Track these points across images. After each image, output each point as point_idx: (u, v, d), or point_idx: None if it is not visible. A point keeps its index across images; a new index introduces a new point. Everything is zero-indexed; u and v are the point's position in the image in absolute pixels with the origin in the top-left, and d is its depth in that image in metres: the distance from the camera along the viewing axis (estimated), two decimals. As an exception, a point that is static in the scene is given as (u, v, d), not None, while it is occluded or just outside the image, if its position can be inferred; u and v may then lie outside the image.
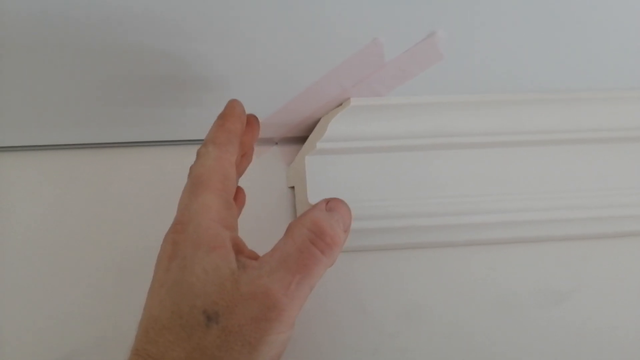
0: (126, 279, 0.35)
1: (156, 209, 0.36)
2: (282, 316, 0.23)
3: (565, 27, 0.31)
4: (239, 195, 0.31)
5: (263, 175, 0.37)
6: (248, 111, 0.34)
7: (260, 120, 0.35)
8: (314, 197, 0.35)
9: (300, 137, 0.38)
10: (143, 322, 0.24)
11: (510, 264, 0.37)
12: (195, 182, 0.26)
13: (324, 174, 0.35)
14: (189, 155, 0.37)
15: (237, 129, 0.28)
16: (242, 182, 0.35)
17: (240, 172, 0.30)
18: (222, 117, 0.28)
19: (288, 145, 0.39)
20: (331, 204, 0.27)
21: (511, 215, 0.36)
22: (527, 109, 0.36)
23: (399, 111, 0.35)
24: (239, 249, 0.25)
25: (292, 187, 0.38)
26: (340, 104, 0.35)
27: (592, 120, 0.37)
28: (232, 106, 0.29)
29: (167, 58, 0.30)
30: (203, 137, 0.36)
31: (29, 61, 0.29)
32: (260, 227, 0.33)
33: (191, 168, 0.27)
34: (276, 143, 0.39)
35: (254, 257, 0.25)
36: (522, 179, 0.37)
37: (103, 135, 0.37)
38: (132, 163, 0.37)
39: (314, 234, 0.25)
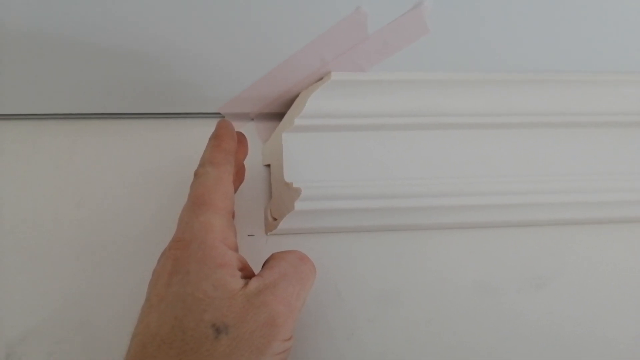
0: (92, 258, 0.34)
1: (125, 184, 0.35)
2: (287, 323, 0.26)
3: (559, 5, 0.30)
4: (239, 172, 0.33)
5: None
6: (224, 83, 0.32)
7: (236, 94, 0.34)
8: (290, 176, 0.33)
9: (277, 114, 0.37)
10: (138, 337, 0.24)
11: (491, 248, 0.37)
12: (196, 202, 0.27)
13: (301, 152, 0.34)
14: (160, 129, 0.36)
15: (232, 148, 0.30)
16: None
17: (234, 189, 0.31)
18: (217, 138, 0.30)
19: (264, 122, 0.38)
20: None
21: (493, 199, 0.35)
22: (515, 90, 0.35)
23: (382, 87, 0.34)
24: (242, 267, 0.27)
25: (268, 165, 0.37)
26: (321, 79, 0.33)
27: (580, 103, 0.36)
28: (225, 126, 0.31)
29: (143, 29, 0.28)
30: (178, 110, 0.36)
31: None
32: (235, 205, 0.32)
33: (191, 187, 0.28)
34: (252, 119, 0.38)
35: (253, 275, 0.27)
36: (506, 162, 0.36)
37: (71, 106, 0.35)
38: (101, 136, 0.36)
39: (301, 256, 0.29)
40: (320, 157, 0.34)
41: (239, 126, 0.37)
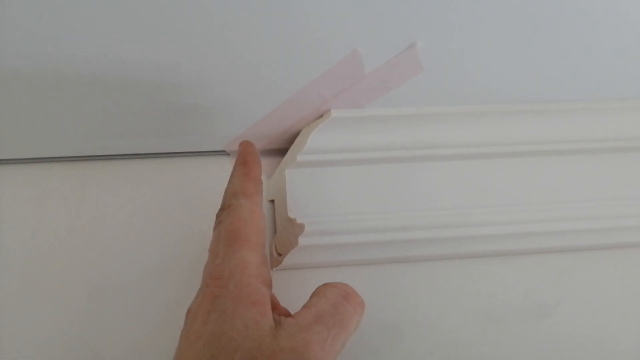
0: (104, 296, 0.34)
1: (135, 224, 0.36)
2: None
3: (549, 38, 0.31)
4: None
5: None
6: (229, 121, 0.33)
7: (240, 131, 0.35)
8: (294, 211, 0.34)
9: (280, 150, 0.38)
10: None
11: (494, 277, 0.37)
12: (231, 236, 0.26)
13: (304, 187, 0.35)
14: (169, 168, 0.37)
15: (260, 175, 0.29)
16: (220, 195, 0.34)
17: None
18: (246, 165, 0.29)
19: (268, 158, 0.38)
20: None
21: (493, 229, 0.36)
22: (510, 120, 0.36)
23: (380, 123, 0.34)
24: (274, 305, 0.26)
25: (272, 201, 0.38)
26: (321, 116, 0.34)
27: (576, 131, 0.37)
28: (251, 151, 0.30)
29: (149, 73, 0.29)
30: (185, 150, 0.37)
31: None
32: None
33: (223, 220, 0.27)
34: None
35: (287, 314, 0.26)
36: (506, 191, 0.37)
37: (81, 148, 0.36)
38: (111, 177, 0.37)
39: (346, 292, 0.27)
40: (323, 192, 0.35)
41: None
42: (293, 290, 0.32)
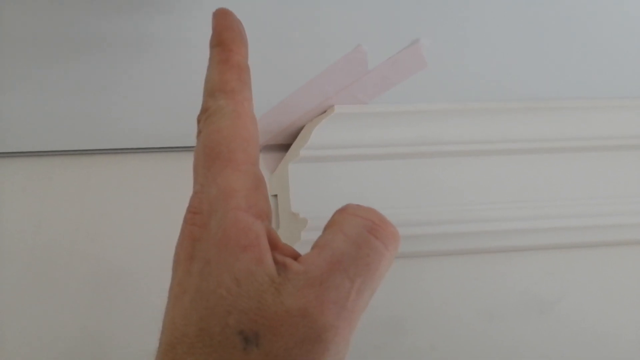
0: (108, 288, 0.35)
1: (139, 216, 0.36)
2: (339, 335, 0.18)
3: (553, 35, 0.31)
4: None
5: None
6: None
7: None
8: (297, 206, 0.34)
9: (283, 145, 0.38)
10: (167, 334, 0.19)
11: (496, 273, 0.37)
12: (210, 154, 0.20)
13: (307, 182, 0.35)
14: (172, 162, 0.37)
15: (245, 60, 0.22)
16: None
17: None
18: (223, 45, 0.22)
19: (271, 153, 0.39)
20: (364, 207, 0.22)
21: (497, 225, 0.36)
22: (512, 118, 0.36)
23: (383, 119, 0.35)
24: (274, 243, 0.19)
25: (275, 196, 0.38)
26: (324, 112, 0.34)
27: (578, 128, 0.37)
28: (231, 25, 0.22)
29: (154, 67, 0.29)
30: (186, 144, 0.37)
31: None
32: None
33: (201, 131, 0.21)
34: (259, 150, 0.38)
35: (294, 254, 0.19)
36: (507, 188, 0.37)
37: (84, 142, 0.36)
38: (115, 170, 0.37)
39: (372, 222, 0.19)
40: (326, 187, 0.35)
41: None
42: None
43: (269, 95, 0.33)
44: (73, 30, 0.27)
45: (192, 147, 0.37)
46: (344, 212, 0.20)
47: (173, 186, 0.37)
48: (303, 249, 0.35)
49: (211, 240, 0.19)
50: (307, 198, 0.35)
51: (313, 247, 0.20)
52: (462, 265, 0.37)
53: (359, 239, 0.19)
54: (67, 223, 0.36)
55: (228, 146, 0.20)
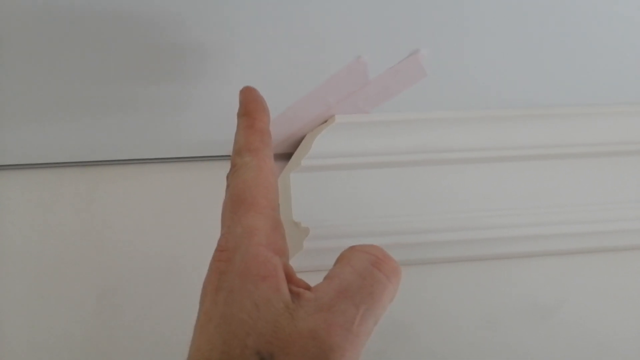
0: (111, 301, 0.35)
1: (142, 228, 0.36)
2: (345, 357, 0.20)
3: (553, 42, 0.31)
4: None
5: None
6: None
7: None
8: (299, 215, 0.34)
9: (285, 154, 0.38)
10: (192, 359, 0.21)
11: (496, 279, 0.37)
12: (236, 201, 0.23)
13: (309, 191, 0.35)
14: (176, 172, 0.37)
15: (267, 125, 0.25)
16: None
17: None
18: (249, 115, 0.25)
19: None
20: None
21: (497, 231, 0.36)
22: (513, 125, 0.36)
23: (384, 128, 0.35)
24: (290, 276, 0.22)
25: (277, 205, 0.38)
26: (325, 121, 0.35)
27: (579, 135, 0.37)
28: (254, 98, 0.26)
29: (156, 79, 0.30)
30: (186, 155, 0.37)
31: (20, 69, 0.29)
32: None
33: (229, 182, 0.24)
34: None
35: (306, 286, 0.22)
36: (508, 195, 0.37)
37: (89, 154, 0.36)
38: (119, 181, 0.37)
39: (376, 257, 0.22)
40: (327, 196, 0.35)
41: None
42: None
43: (271, 105, 0.33)
44: (85, 46, 0.27)
45: (198, 157, 0.38)
46: (352, 249, 0.23)
47: (178, 196, 0.37)
48: (306, 258, 0.35)
49: (235, 272, 0.22)
50: (308, 207, 0.35)
51: (324, 279, 0.22)
52: (463, 272, 0.37)
53: (364, 272, 0.22)
54: (73, 234, 0.36)
55: (252, 193, 0.23)
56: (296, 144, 0.37)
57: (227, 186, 0.24)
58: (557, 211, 0.37)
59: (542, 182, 0.37)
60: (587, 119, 0.37)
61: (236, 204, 0.23)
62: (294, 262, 0.34)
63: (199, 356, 0.21)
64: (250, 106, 0.26)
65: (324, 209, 0.35)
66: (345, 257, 0.23)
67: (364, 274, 0.22)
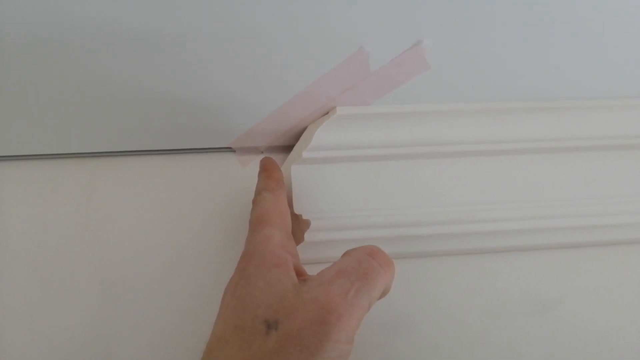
0: (111, 292, 0.35)
1: (143, 220, 0.36)
2: (341, 322, 0.24)
3: (554, 35, 0.31)
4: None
5: (249, 185, 0.37)
6: (235, 118, 0.34)
7: (246, 129, 0.35)
8: (300, 207, 0.34)
9: (286, 146, 0.38)
10: (208, 343, 0.25)
11: (497, 273, 0.37)
12: (256, 221, 0.29)
13: (310, 183, 0.35)
14: (177, 164, 0.37)
15: (281, 178, 0.32)
16: (227, 191, 0.34)
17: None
18: (267, 170, 0.32)
19: (274, 154, 0.39)
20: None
21: (499, 224, 0.36)
22: (514, 118, 0.36)
23: (386, 120, 0.35)
24: (300, 272, 0.27)
25: (278, 197, 0.38)
26: (327, 113, 0.35)
27: (579, 128, 0.37)
28: (272, 162, 0.33)
29: (157, 69, 0.30)
30: (187, 146, 0.37)
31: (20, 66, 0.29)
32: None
33: (251, 213, 0.30)
34: (262, 152, 0.39)
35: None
36: (510, 188, 0.37)
37: (89, 145, 0.36)
38: (119, 173, 0.37)
39: (372, 250, 0.27)
40: (328, 188, 0.35)
41: (249, 160, 0.38)
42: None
43: (272, 97, 0.33)
44: (80, 33, 0.27)
45: (199, 149, 0.38)
46: (352, 249, 0.28)
47: (179, 188, 0.37)
48: (307, 250, 0.35)
49: (252, 264, 0.26)
50: (310, 199, 0.35)
51: (328, 267, 0.26)
52: (464, 265, 0.37)
53: (360, 258, 0.26)
54: (73, 226, 0.36)
55: (269, 215, 0.29)
56: (297, 136, 0.37)
57: (250, 220, 0.30)
58: (558, 204, 0.37)
59: (542, 175, 0.37)
60: (587, 112, 0.37)
61: (256, 222, 0.29)
62: (296, 254, 0.34)
63: (214, 338, 0.25)
64: (268, 165, 0.33)
65: (325, 201, 0.35)
66: (347, 252, 0.27)
67: (360, 260, 0.26)
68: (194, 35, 0.28)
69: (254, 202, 0.30)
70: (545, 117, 0.36)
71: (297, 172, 0.35)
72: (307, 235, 0.33)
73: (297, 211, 0.34)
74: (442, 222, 0.36)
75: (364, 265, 0.26)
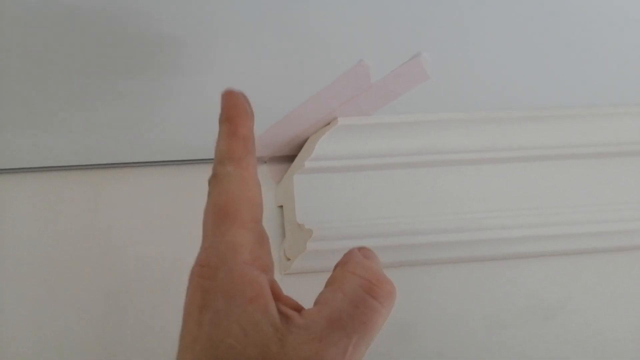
0: (117, 302, 0.35)
1: (149, 229, 0.36)
2: None
3: (553, 44, 0.31)
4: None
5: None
6: None
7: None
8: (302, 217, 0.35)
9: (288, 157, 0.38)
10: None
11: (500, 280, 0.37)
12: (219, 213, 0.22)
13: (312, 193, 0.35)
14: (182, 175, 0.38)
15: (250, 131, 0.24)
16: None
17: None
18: (231, 121, 0.24)
19: (277, 164, 0.39)
20: (366, 252, 0.24)
21: (501, 232, 0.36)
22: (514, 126, 0.36)
23: (386, 130, 0.35)
24: (277, 294, 0.21)
25: (281, 207, 0.38)
26: (328, 124, 0.35)
27: (580, 135, 0.37)
28: (236, 103, 0.24)
29: (159, 80, 0.30)
30: (190, 157, 0.37)
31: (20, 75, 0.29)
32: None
33: (211, 193, 0.23)
34: (265, 162, 0.39)
35: (295, 306, 0.21)
36: (511, 196, 0.37)
37: (94, 157, 0.37)
38: (123, 184, 0.37)
39: (369, 282, 0.22)
40: (331, 197, 0.35)
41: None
42: (302, 295, 0.33)
43: (274, 108, 0.33)
44: (84, 46, 0.28)
45: (202, 159, 0.38)
46: (344, 269, 0.22)
47: (183, 198, 0.37)
48: (309, 259, 0.35)
49: (220, 292, 0.21)
50: (312, 209, 0.35)
51: (315, 303, 0.22)
52: (468, 273, 0.37)
53: (356, 299, 0.21)
54: (79, 237, 0.36)
55: (235, 206, 0.22)
56: (299, 146, 0.37)
57: (209, 194, 0.23)
58: (560, 212, 0.37)
59: (544, 182, 0.38)
60: (589, 120, 0.37)
61: (218, 217, 0.22)
62: (299, 263, 0.35)
63: None
64: (232, 112, 0.24)
65: (327, 210, 0.35)
66: (336, 280, 0.22)
67: (357, 302, 0.21)
68: (195, 48, 0.28)
69: (215, 176, 0.23)
70: (545, 124, 0.37)
71: (300, 181, 0.35)
72: (310, 245, 0.34)
73: (299, 220, 0.34)
74: (444, 230, 0.36)
75: (362, 311, 0.21)
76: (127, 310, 0.35)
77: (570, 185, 0.38)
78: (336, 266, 0.23)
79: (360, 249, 0.24)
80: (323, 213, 0.35)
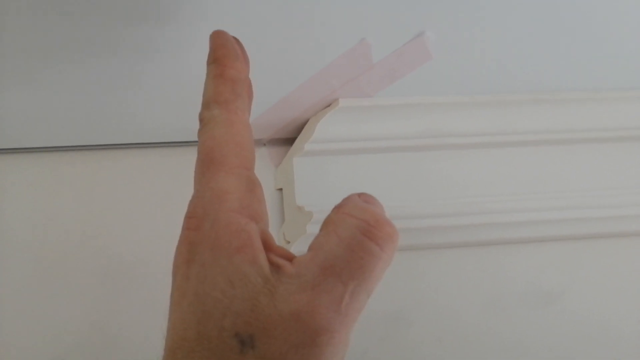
0: (116, 282, 0.35)
1: (147, 211, 0.36)
2: (335, 339, 0.18)
3: (558, 27, 0.31)
4: (248, 90, 0.24)
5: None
6: None
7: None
8: (302, 199, 0.34)
9: (288, 139, 0.38)
10: (169, 340, 0.20)
11: (500, 265, 0.38)
12: (205, 160, 0.21)
13: (312, 175, 0.35)
14: (179, 156, 0.37)
15: (239, 73, 0.22)
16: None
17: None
18: (218, 62, 0.22)
19: (276, 147, 0.39)
20: (366, 197, 0.22)
21: (501, 216, 0.36)
22: (516, 110, 0.36)
23: (388, 112, 0.35)
24: (268, 245, 0.20)
25: (280, 189, 0.38)
26: (329, 105, 0.35)
27: (583, 120, 0.37)
28: (225, 43, 0.23)
29: (157, 61, 0.30)
30: (193, 138, 0.37)
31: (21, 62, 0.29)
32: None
33: (199, 139, 0.22)
34: (264, 144, 0.39)
35: (288, 256, 0.19)
36: (512, 180, 0.37)
37: (93, 137, 0.36)
38: (122, 165, 0.37)
39: (367, 224, 0.19)
40: (330, 180, 0.35)
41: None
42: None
43: (273, 89, 0.33)
44: (79, 30, 0.27)
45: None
46: (339, 211, 0.20)
47: (180, 180, 0.37)
48: (308, 242, 0.35)
49: (205, 243, 0.19)
50: (311, 191, 0.35)
51: (308, 250, 0.20)
52: (467, 258, 0.37)
53: (353, 242, 0.19)
54: (76, 218, 0.36)
55: (221, 152, 0.21)
56: (299, 128, 0.37)
57: (198, 147, 0.22)
58: (561, 196, 0.37)
59: (545, 167, 0.37)
60: (592, 104, 0.37)
61: (204, 163, 0.21)
62: (298, 246, 0.35)
63: (174, 335, 0.19)
64: (220, 52, 0.22)
65: (327, 193, 0.35)
66: (331, 222, 0.20)
67: (353, 245, 0.19)
68: (191, 35, 0.28)
69: (202, 122, 0.22)
70: (548, 108, 0.36)
71: (300, 164, 0.35)
72: (309, 228, 0.33)
73: (299, 203, 0.34)
74: (443, 215, 0.36)
75: (359, 255, 0.19)
76: (123, 293, 0.35)
77: (572, 170, 0.38)
78: (333, 209, 0.21)
79: (361, 194, 0.22)
80: (323, 196, 0.35)
